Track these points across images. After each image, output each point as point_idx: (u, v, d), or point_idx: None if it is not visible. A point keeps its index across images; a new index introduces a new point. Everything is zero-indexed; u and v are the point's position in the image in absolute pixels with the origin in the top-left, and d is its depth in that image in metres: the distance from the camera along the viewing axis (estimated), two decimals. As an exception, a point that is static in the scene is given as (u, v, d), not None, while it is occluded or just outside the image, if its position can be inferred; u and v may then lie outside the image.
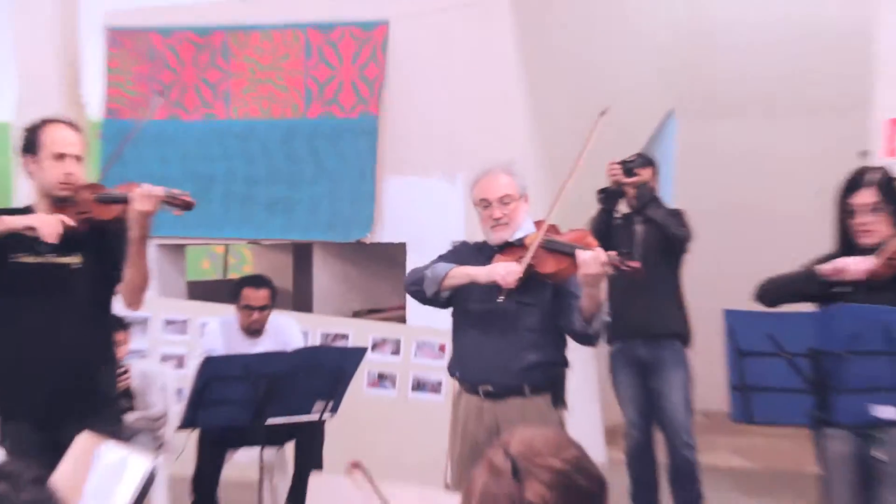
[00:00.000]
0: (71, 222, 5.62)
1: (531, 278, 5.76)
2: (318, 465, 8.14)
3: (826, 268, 5.60)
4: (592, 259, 5.48)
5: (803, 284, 5.75)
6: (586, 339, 5.96)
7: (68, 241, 5.72)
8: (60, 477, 4.48)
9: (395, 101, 10.10)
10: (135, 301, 5.95)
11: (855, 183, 5.74)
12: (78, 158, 5.83)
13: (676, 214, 8.21)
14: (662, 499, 8.67)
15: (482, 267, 5.79)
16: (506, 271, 5.66)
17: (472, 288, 5.87)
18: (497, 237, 5.95)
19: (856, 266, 5.50)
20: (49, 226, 5.55)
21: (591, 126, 5.88)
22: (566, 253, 5.69)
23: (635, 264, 5.58)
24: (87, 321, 5.95)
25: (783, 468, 10.54)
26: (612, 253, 5.55)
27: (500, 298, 5.68)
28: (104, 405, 6.00)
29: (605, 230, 7.92)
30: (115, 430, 5.78)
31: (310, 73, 10.31)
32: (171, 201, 5.60)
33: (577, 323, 5.78)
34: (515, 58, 10.04)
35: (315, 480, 4.26)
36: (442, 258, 6.16)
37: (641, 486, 8.61)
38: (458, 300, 5.97)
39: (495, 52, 10.02)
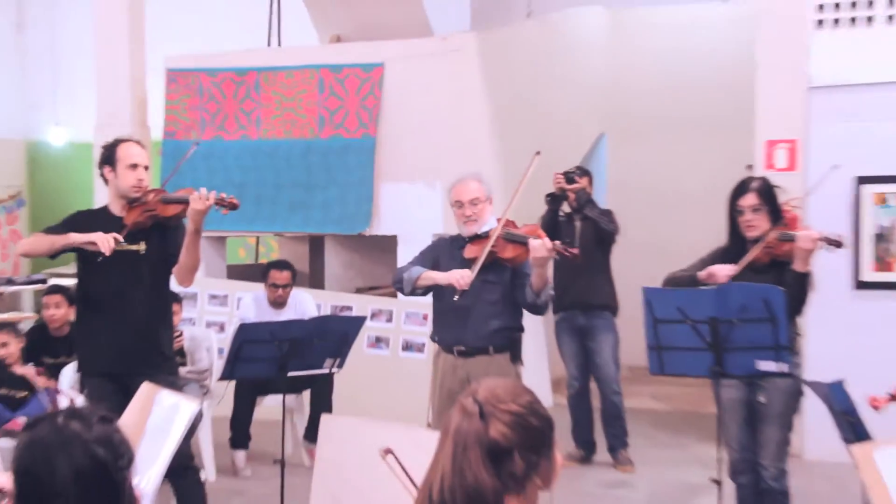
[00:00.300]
0: (120, 239, 5.70)
1: (494, 262, 5.84)
2: (329, 408, 8.17)
3: (702, 274, 5.66)
4: (541, 245, 5.54)
5: (689, 283, 5.78)
6: (536, 309, 6.01)
7: (136, 232, 5.87)
8: (128, 417, 4.49)
9: (389, 126, 10.08)
10: (187, 280, 5.99)
11: (741, 188, 5.78)
12: (146, 168, 5.95)
13: (607, 213, 8.37)
14: (596, 434, 8.71)
15: (443, 273, 5.86)
16: (460, 276, 5.76)
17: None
18: (468, 230, 6.01)
19: (721, 272, 5.56)
20: (106, 243, 5.65)
21: (528, 162, 5.94)
22: (521, 242, 5.75)
23: (575, 251, 5.66)
24: (150, 295, 6.01)
25: (689, 410, 10.57)
26: (557, 242, 5.63)
27: (456, 297, 5.77)
28: (164, 361, 6.07)
29: (553, 226, 8.00)
30: (171, 380, 5.88)
31: (323, 104, 10.29)
32: (220, 203, 5.67)
33: (529, 296, 5.83)
34: (481, 92, 10.05)
35: (325, 420, 4.26)
36: (421, 254, 6.24)
37: (580, 425, 8.73)
38: (435, 289, 6.02)
39: (466, 88, 10.03)
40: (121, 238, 5.72)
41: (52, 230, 5.92)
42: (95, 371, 5.97)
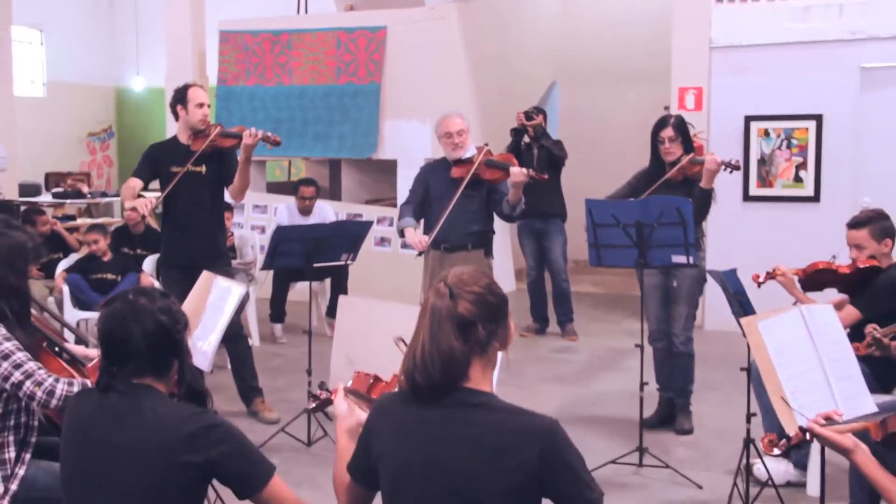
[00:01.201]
0: (145, 214, 5.69)
1: (476, 181, 5.91)
2: (345, 291, 8.15)
3: None
4: (519, 172, 5.71)
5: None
6: (510, 219, 6.18)
7: (200, 158, 5.86)
8: (192, 297, 4.46)
9: (391, 75, 9.98)
10: (239, 197, 6.03)
11: (662, 123, 5.72)
12: (208, 107, 5.97)
13: (558, 143, 8.40)
14: (548, 313, 8.73)
15: (412, 236, 6.00)
16: (419, 240, 5.93)
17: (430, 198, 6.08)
18: (455, 155, 6.01)
19: None
20: (133, 217, 5.90)
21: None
22: (502, 168, 5.87)
23: (544, 176, 5.93)
24: (209, 206, 6.02)
25: (619, 293, 10.58)
26: (531, 170, 5.82)
27: (418, 255, 6.03)
28: (220, 255, 6.08)
29: (517, 153, 7.89)
30: (226, 269, 5.93)
31: (339, 58, 10.17)
32: (266, 139, 5.67)
33: (506, 209, 5.92)
34: (462, 50, 9.93)
35: (342, 300, 4.21)
36: (414, 184, 6.27)
37: (536, 305, 8.74)
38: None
39: (450, 47, 9.90)
40: (155, 203, 5.76)
41: (135, 173, 5.97)
42: (171, 263, 6.02)
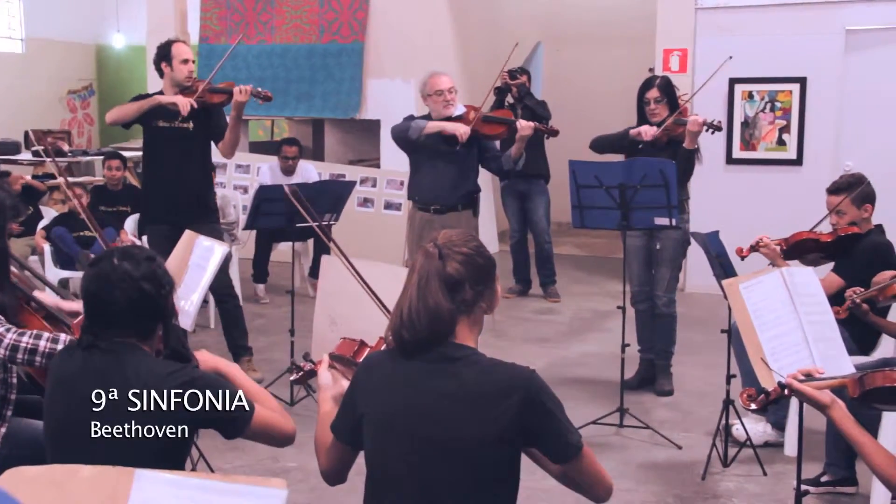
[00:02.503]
0: (195, 105, 5.68)
1: (472, 137, 5.85)
2: (327, 252, 8.11)
3: (633, 131, 5.62)
4: (527, 126, 5.70)
5: (619, 140, 5.77)
6: (507, 174, 6.37)
7: (187, 114, 5.76)
8: (175, 256, 4.46)
9: (375, 34, 9.92)
10: (230, 153, 6.06)
11: (647, 84, 5.75)
12: (193, 62, 5.95)
13: (542, 104, 8.35)
14: (531, 274, 8.76)
15: (449, 123, 5.80)
16: (463, 129, 5.74)
17: (437, 139, 5.86)
18: (446, 112, 5.94)
19: (647, 131, 5.53)
20: (186, 104, 5.68)
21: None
22: (503, 123, 5.93)
23: (555, 129, 6.02)
24: (197, 163, 6.01)
25: (601, 255, 10.63)
26: (537, 123, 5.89)
27: (458, 147, 5.80)
28: (209, 212, 6.08)
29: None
30: (214, 227, 5.99)
31: (323, 16, 10.09)
32: (257, 95, 5.67)
33: (507, 163, 5.95)
34: (446, 10, 9.94)
35: (325, 260, 4.23)
36: (415, 118, 6.11)
37: (519, 266, 8.76)
38: (427, 145, 5.91)
39: (434, 6, 9.90)
40: (195, 104, 5.71)
41: (135, 99, 5.95)
42: (157, 220, 6.00)
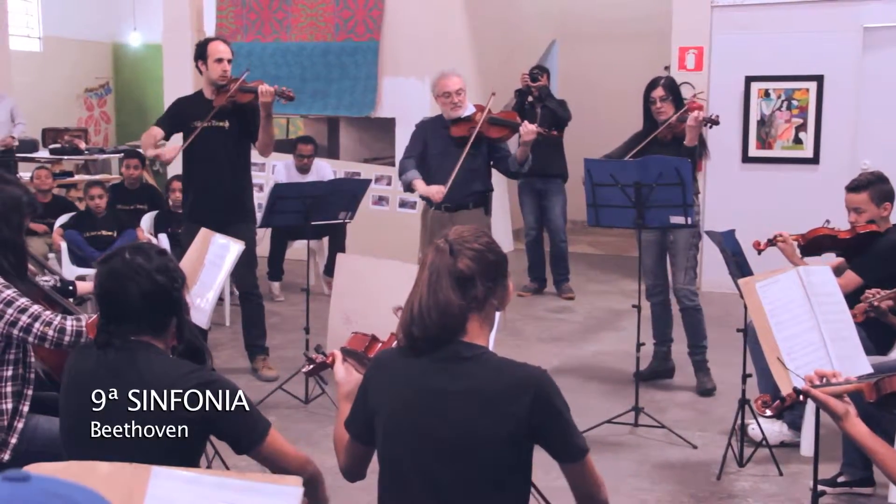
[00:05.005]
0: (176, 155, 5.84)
1: (479, 139, 5.90)
2: (342, 249, 8.14)
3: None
4: (529, 131, 5.74)
5: (624, 154, 5.78)
6: (516, 175, 6.34)
7: (221, 112, 5.84)
8: (190, 254, 4.49)
9: (390, 32, 9.92)
10: (266, 152, 6.07)
11: (653, 84, 5.78)
12: (229, 62, 5.90)
13: (563, 103, 8.36)
14: (547, 273, 8.75)
15: (425, 188, 5.88)
16: (436, 191, 5.82)
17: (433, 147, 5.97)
18: (454, 114, 5.98)
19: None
20: (168, 154, 5.88)
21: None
22: (508, 125, 5.95)
23: (554, 132, 6.11)
24: (233, 161, 5.99)
25: (616, 254, 10.61)
26: (538, 126, 5.94)
27: (435, 208, 5.96)
28: (245, 213, 6.05)
29: (521, 113, 7.86)
30: (249, 228, 5.96)
31: (338, 14, 10.10)
32: (280, 94, 5.67)
33: (513, 166, 5.98)
34: (461, 10, 9.95)
35: (340, 258, 4.23)
36: (412, 140, 6.20)
37: (534, 264, 8.75)
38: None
39: (449, 6, 9.91)
40: (176, 153, 5.85)
41: (158, 122, 5.99)
42: (193, 218, 5.90)
